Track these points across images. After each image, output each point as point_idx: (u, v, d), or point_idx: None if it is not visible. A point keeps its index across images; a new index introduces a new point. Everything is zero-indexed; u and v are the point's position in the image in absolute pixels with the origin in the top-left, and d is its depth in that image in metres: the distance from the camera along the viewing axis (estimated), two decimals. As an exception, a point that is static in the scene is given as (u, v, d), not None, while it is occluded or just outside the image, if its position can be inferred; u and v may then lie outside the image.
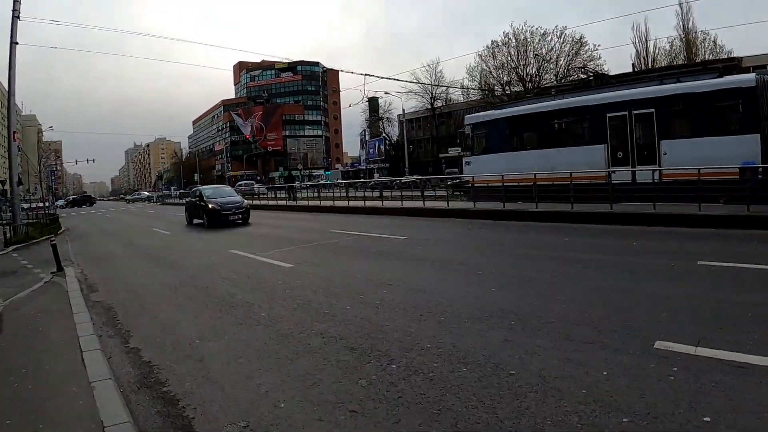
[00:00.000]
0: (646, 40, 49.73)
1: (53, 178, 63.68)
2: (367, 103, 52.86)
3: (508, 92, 55.57)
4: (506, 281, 7.31)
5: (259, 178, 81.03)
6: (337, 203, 25.64)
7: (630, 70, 49.50)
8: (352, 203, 23.88)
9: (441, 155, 63.49)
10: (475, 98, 60.48)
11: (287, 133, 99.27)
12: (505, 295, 6.47)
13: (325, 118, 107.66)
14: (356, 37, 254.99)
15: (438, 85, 60.18)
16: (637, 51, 50.02)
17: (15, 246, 17.25)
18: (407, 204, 20.68)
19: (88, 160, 77.00)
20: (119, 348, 5.54)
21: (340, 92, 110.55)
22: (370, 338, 5.14)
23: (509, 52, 55.01)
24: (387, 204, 21.77)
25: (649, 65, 47.47)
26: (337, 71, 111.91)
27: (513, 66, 55.14)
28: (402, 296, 6.72)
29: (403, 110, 60.04)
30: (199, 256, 12.29)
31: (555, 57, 52.78)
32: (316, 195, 30.85)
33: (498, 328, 5.13)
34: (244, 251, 12.01)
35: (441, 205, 18.99)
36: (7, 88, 19.61)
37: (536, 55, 52.67)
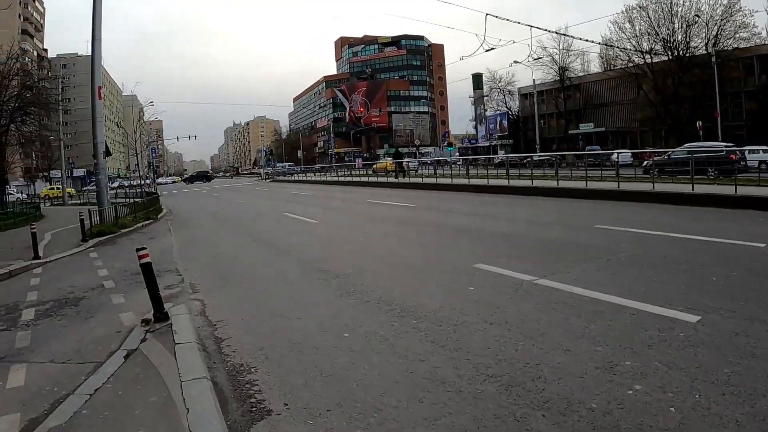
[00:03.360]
0: (785, 5, 41.10)
1: (154, 155, 62.07)
2: (533, 61, 45.50)
3: (649, 62, 46.34)
4: None
5: (364, 155, 76.20)
6: (460, 181, 21.57)
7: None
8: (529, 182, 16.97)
9: (571, 131, 55.38)
10: (611, 70, 51.66)
11: (392, 109, 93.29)
12: None
13: (430, 94, 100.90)
14: (457, 17, 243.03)
15: (580, 39, 51.46)
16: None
17: (97, 239, 12.03)
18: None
19: (189, 137, 76.46)
20: None
21: (446, 66, 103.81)
22: None
23: (649, 17, 45.97)
24: (564, 185, 15.34)
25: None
26: (442, 45, 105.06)
27: (655, 32, 45.95)
28: None
29: (534, 80, 52.17)
30: (427, 277, 6.32)
31: (705, 21, 43.12)
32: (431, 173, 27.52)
33: None
34: (499, 266, 6.24)
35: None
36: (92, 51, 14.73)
37: (696, 15, 42.85)
